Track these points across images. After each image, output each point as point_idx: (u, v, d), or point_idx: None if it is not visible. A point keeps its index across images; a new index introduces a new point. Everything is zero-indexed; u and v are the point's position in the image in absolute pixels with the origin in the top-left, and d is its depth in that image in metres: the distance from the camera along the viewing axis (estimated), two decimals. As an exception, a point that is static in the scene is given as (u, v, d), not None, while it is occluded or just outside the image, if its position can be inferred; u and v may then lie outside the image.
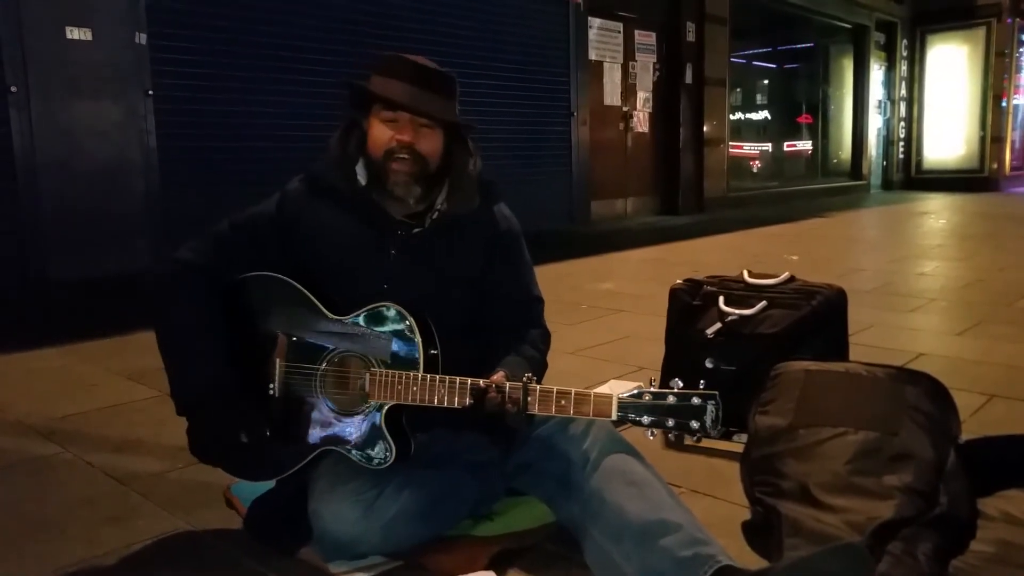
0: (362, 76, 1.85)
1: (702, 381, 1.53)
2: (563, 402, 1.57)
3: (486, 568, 1.71)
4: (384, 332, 1.73)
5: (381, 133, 1.78)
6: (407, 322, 1.70)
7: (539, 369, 1.85)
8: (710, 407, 1.50)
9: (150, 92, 5.21)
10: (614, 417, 1.54)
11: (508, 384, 1.61)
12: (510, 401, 1.59)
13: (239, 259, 1.86)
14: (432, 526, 1.75)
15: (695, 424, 1.50)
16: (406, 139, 1.76)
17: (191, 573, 1.81)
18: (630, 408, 1.53)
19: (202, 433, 1.78)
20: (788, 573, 1.43)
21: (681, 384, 1.53)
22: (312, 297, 1.80)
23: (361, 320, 1.75)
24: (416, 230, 1.85)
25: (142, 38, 5.14)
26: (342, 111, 1.88)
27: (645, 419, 1.52)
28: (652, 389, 1.53)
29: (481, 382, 1.62)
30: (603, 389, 1.60)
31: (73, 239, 4.90)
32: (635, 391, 1.54)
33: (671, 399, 1.51)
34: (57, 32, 4.78)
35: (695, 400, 1.50)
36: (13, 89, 4.62)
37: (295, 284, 1.82)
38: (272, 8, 5.94)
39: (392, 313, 1.72)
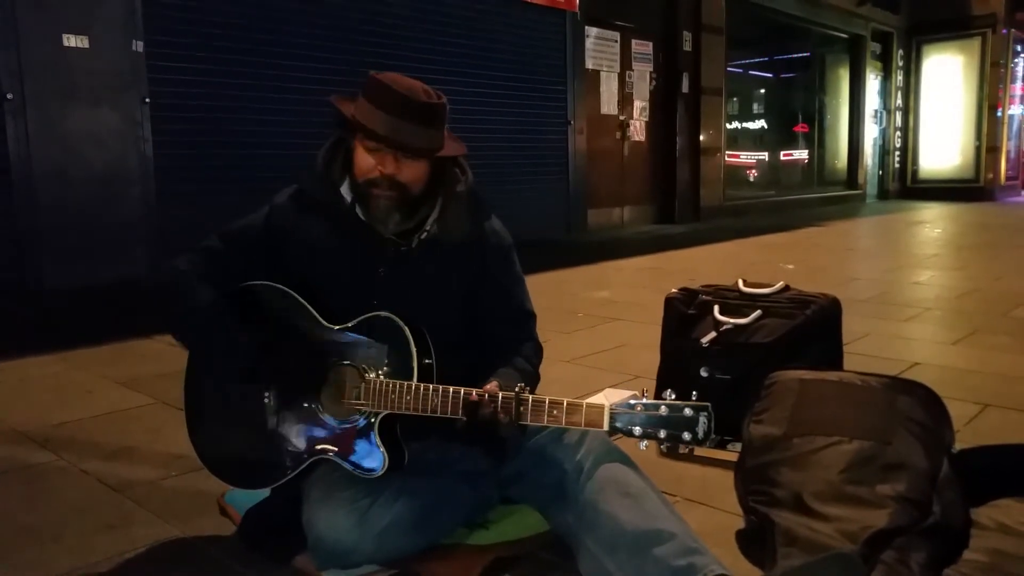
0: (351, 93, 1.83)
1: (694, 393, 1.53)
2: (555, 412, 1.57)
3: (480, 577, 1.71)
4: (378, 341, 1.73)
5: (365, 160, 1.77)
6: (402, 331, 1.71)
7: (531, 381, 1.85)
8: (702, 419, 1.49)
9: (147, 100, 5.22)
10: (605, 427, 1.54)
11: (501, 394, 1.61)
12: (502, 411, 1.59)
13: (232, 270, 1.87)
14: (426, 535, 1.74)
15: (687, 436, 1.49)
16: (388, 171, 1.75)
17: (185, 581, 1.81)
18: (622, 418, 1.52)
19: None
20: (782, 582, 1.43)
21: (674, 395, 1.53)
22: (308, 306, 1.81)
23: (356, 329, 1.75)
24: (404, 248, 1.85)
25: (139, 46, 5.16)
26: (333, 123, 1.86)
27: (636, 430, 1.51)
28: (644, 400, 1.53)
29: (474, 392, 1.62)
30: (598, 397, 1.60)
31: (69, 246, 4.90)
32: (627, 402, 1.54)
33: (663, 410, 1.51)
34: (54, 39, 4.79)
35: (687, 411, 1.50)
36: (9, 96, 4.63)
37: (291, 293, 1.82)
38: (269, 16, 5.96)
39: (387, 322, 1.72)
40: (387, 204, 1.78)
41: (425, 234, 1.85)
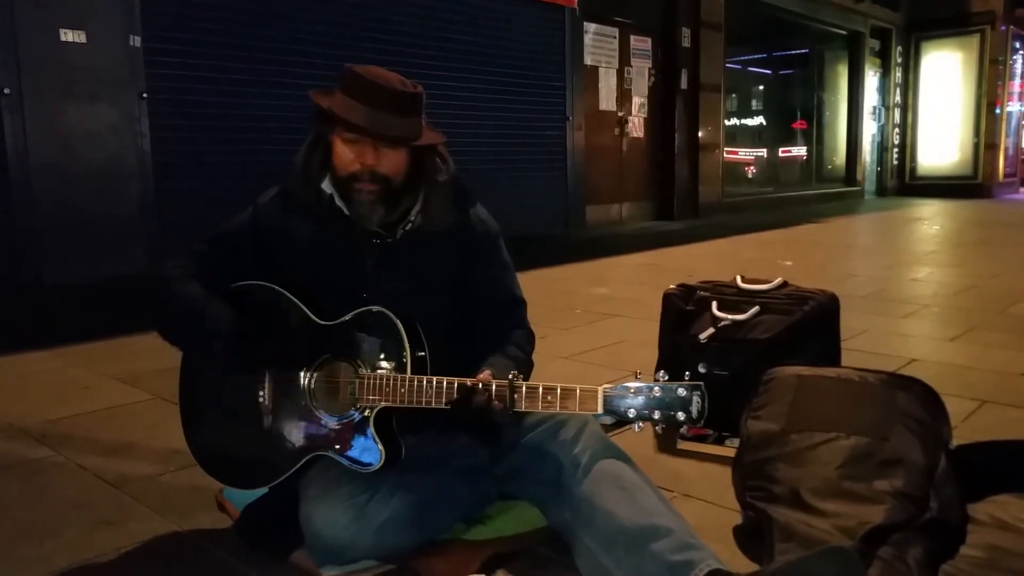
0: (328, 89, 1.83)
1: (687, 373, 1.54)
2: (549, 397, 1.57)
3: (478, 572, 1.71)
4: (371, 335, 1.73)
5: (345, 154, 1.78)
6: (394, 325, 1.71)
7: (525, 368, 1.85)
8: (695, 397, 1.49)
9: (144, 95, 5.20)
10: (599, 410, 1.53)
11: (494, 382, 1.61)
12: (497, 399, 1.59)
13: (221, 272, 1.87)
14: (424, 531, 1.75)
15: (681, 416, 1.49)
16: (369, 162, 1.75)
17: (182, 577, 1.81)
18: (615, 401, 1.52)
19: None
20: (778, 577, 1.43)
21: (667, 376, 1.53)
22: (299, 303, 1.81)
23: (348, 325, 1.75)
24: (389, 240, 1.85)
25: (136, 41, 5.14)
26: (311, 117, 1.85)
27: (631, 412, 1.51)
28: (637, 382, 1.53)
29: (468, 381, 1.63)
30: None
31: (67, 242, 4.89)
32: (621, 385, 1.54)
33: (656, 390, 1.51)
34: (51, 34, 4.77)
35: (680, 391, 1.50)
36: (6, 91, 4.61)
37: (281, 291, 1.82)
38: (268, 11, 5.95)
39: (379, 316, 1.72)
40: (370, 198, 1.78)
41: (409, 225, 1.85)
